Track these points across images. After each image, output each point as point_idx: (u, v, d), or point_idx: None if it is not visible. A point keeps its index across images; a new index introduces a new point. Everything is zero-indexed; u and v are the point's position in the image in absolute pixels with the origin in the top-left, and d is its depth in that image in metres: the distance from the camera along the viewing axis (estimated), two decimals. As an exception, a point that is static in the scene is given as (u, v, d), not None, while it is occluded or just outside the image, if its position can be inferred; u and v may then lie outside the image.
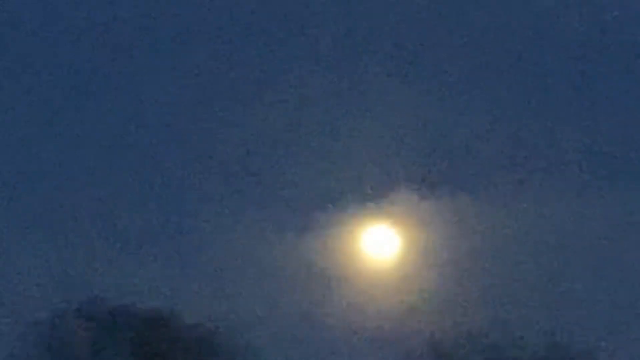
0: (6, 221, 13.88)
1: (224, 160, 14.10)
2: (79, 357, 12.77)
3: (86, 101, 14.71)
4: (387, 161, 14.06)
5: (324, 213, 13.70)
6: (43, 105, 14.70)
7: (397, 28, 14.69)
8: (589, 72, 14.97)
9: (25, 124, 14.62)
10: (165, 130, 14.48)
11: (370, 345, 13.07)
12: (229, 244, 13.50)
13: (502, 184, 14.10)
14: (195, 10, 14.88)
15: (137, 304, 12.93)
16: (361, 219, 13.57)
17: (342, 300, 13.06)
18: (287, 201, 13.81)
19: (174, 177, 14.02)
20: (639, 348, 13.24)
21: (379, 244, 13.59)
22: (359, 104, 14.31)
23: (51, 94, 14.58)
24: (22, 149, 14.43)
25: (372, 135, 14.27)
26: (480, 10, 14.75)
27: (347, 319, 12.97)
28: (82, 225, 13.67)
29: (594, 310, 13.76)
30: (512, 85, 14.79)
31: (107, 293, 12.88)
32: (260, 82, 14.63)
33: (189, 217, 13.78)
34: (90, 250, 13.55)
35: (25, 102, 14.70)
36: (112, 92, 14.59)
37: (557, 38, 14.83)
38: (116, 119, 14.52)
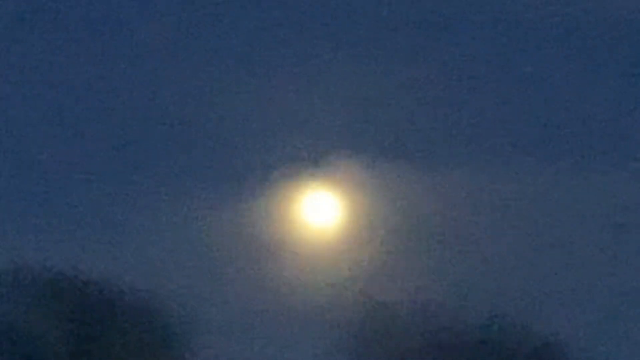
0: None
1: (159, 122, 13.96)
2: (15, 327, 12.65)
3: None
4: (333, 126, 14.00)
5: (266, 181, 13.64)
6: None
7: None
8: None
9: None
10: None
11: (312, 316, 13.03)
12: (166, 213, 13.39)
13: (459, 155, 14.17)
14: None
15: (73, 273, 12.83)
16: (303, 186, 13.51)
17: (283, 271, 13.01)
18: (227, 168, 13.74)
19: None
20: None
21: (322, 212, 13.55)
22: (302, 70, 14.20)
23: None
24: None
25: (318, 100, 14.21)
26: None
27: (289, 289, 12.94)
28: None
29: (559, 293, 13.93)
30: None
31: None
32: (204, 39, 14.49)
33: (122, 186, 13.64)
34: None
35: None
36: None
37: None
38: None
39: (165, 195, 13.23)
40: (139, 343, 12.64)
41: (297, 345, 13.21)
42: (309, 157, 13.57)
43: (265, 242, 13.03)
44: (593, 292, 13.72)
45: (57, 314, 12.79)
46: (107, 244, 13.19)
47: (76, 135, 13.99)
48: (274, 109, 13.60)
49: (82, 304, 12.83)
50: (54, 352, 12.51)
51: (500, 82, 14.41)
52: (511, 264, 13.86)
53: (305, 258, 13.18)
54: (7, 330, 12.44)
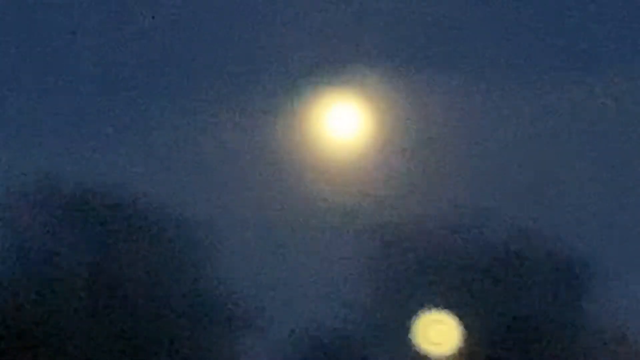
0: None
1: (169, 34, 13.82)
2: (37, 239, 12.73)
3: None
4: (357, 36, 13.82)
5: (289, 94, 13.54)
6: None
7: None
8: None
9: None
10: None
11: (333, 234, 13.04)
12: (182, 130, 13.30)
13: (487, 65, 13.97)
14: None
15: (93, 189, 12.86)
16: (328, 100, 13.39)
17: (305, 188, 12.94)
18: (245, 80, 13.58)
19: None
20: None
21: (348, 127, 13.47)
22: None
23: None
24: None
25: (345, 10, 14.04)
26: None
27: (309, 207, 12.90)
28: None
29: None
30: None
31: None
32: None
33: (137, 104, 13.54)
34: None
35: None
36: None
37: None
38: None
39: (184, 108, 13.14)
40: (155, 251, 12.66)
41: (314, 260, 13.23)
42: (329, 67, 13.44)
43: (287, 155, 12.98)
44: (613, 205, 13.75)
45: (75, 224, 12.84)
46: (126, 157, 13.16)
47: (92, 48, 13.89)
48: (293, 20, 13.44)
49: (99, 215, 12.85)
50: (74, 263, 12.61)
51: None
52: (532, 179, 13.88)
53: (328, 170, 13.13)
54: (28, 246, 12.51)
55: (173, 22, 14.08)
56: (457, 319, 13.30)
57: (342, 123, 13.13)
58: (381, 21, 13.92)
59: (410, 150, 13.22)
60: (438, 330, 13.45)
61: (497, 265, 13.40)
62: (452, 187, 13.32)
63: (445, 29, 14.14)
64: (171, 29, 13.98)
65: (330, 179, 12.96)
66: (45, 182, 12.55)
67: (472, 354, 13.35)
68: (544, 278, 13.49)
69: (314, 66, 13.32)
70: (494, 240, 13.36)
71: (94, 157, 13.05)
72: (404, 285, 13.31)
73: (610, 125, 14.35)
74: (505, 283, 13.42)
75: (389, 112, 13.24)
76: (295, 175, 12.81)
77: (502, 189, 13.52)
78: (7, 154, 12.89)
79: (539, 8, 15.15)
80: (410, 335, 13.18)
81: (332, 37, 13.87)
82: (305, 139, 12.96)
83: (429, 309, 13.32)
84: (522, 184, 13.72)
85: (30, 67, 14.23)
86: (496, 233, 13.34)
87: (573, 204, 13.72)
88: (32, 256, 12.60)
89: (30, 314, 12.08)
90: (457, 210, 13.25)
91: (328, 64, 13.47)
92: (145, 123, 13.26)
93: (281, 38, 13.75)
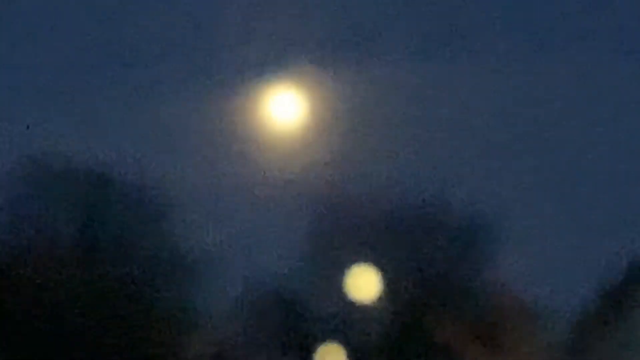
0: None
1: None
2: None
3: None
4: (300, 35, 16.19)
5: (239, 81, 15.77)
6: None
7: None
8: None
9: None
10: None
11: (280, 200, 15.22)
12: (157, 109, 15.53)
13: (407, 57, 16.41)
14: None
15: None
16: (271, 87, 15.55)
17: (260, 161, 15.22)
18: (207, 70, 15.98)
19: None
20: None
21: (288, 109, 15.60)
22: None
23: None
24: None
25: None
26: None
27: (261, 178, 15.18)
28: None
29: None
30: None
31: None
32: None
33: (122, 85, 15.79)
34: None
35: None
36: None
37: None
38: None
39: (157, 94, 15.37)
40: (135, 218, 14.83)
41: (266, 222, 15.42)
42: (276, 61, 15.71)
43: (239, 135, 15.26)
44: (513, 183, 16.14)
45: (64, 196, 14.86)
46: (108, 134, 15.27)
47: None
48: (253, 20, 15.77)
49: (86, 186, 14.93)
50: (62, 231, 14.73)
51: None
52: (447, 161, 16.21)
53: (274, 148, 15.38)
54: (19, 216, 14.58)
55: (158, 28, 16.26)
56: (380, 272, 15.61)
57: (288, 109, 15.46)
58: (322, 21, 16.27)
59: (345, 132, 15.57)
60: (365, 280, 15.71)
61: (414, 230, 15.78)
62: (379, 164, 15.64)
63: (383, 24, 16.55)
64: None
65: (280, 154, 15.30)
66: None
67: (393, 299, 15.71)
68: (451, 240, 15.89)
69: (263, 61, 15.68)
70: (412, 210, 15.68)
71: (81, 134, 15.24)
72: (338, 244, 15.65)
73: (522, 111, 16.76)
74: (421, 244, 15.79)
75: (326, 101, 15.65)
76: (252, 151, 15.16)
77: (422, 167, 15.91)
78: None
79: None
80: (343, 283, 15.51)
81: (280, 36, 16.22)
82: (256, 122, 15.32)
83: (358, 264, 15.63)
84: (438, 164, 16.09)
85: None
86: (414, 203, 15.67)
87: (479, 179, 16.12)
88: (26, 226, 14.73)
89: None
90: (382, 182, 15.53)
91: (275, 59, 15.83)
92: (128, 107, 15.57)
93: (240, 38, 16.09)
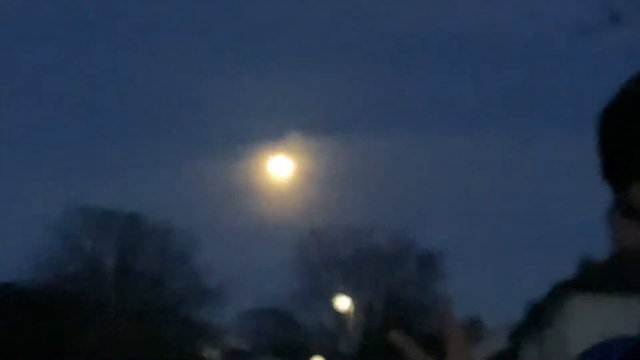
0: None
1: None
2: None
3: None
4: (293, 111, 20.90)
5: (242, 148, 20.64)
6: None
7: None
8: None
9: None
10: None
11: (276, 238, 19.82)
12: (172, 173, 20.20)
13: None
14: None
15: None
16: (267, 153, 20.11)
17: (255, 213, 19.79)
18: (213, 139, 20.82)
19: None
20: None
21: (282, 171, 20.13)
22: None
23: None
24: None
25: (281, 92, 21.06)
26: None
27: (262, 221, 19.77)
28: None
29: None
30: None
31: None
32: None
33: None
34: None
35: None
36: None
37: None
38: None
39: (181, 158, 20.07)
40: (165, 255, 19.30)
41: (265, 255, 19.92)
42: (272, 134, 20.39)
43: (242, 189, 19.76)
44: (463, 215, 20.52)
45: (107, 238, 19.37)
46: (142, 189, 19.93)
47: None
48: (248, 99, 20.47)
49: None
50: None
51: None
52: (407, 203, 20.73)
53: (269, 199, 19.85)
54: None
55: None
56: (355, 294, 20.04)
57: (283, 171, 20.03)
58: (314, 101, 20.90)
59: (328, 189, 20.09)
60: (344, 300, 20.12)
61: (382, 262, 20.23)
62: (354, 213, 20.23)
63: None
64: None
65: (277, 205, 19.85)
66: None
67: (366, 314, 20.18)
68: (410, 269, 20.28)
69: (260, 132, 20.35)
70: (380, 247, 20.16)
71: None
72: (320, 272, 20.20)
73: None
74: (387, 272, 20.22)
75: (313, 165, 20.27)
76: (256, 204, 19.75)
77: (387, 216, 20.46)
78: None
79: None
80: (327, 303, 20.00)
81: (276, 112, 20.87)
82: (259, 180, 19.93)
83: (339, 287, 20.06)
84: (401, 213, 20.56)
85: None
86: (381, 242, 20.14)
87: (434, 225, 20.63)
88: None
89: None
90: (353, 223, 20.03)
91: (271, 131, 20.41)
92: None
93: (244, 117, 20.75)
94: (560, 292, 13.71)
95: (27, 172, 21.93)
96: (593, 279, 13.47)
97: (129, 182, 20.11)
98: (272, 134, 20.89)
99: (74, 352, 18.24)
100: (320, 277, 20.73)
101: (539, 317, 15.13)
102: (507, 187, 21.86)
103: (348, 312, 20.33)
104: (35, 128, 22.71)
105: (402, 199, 20.81)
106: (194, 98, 21.66)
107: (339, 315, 20.26)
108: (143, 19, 22.15)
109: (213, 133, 21.08)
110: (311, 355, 20.76)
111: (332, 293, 20.55)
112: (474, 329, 21.01)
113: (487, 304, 22.63)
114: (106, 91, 21.81)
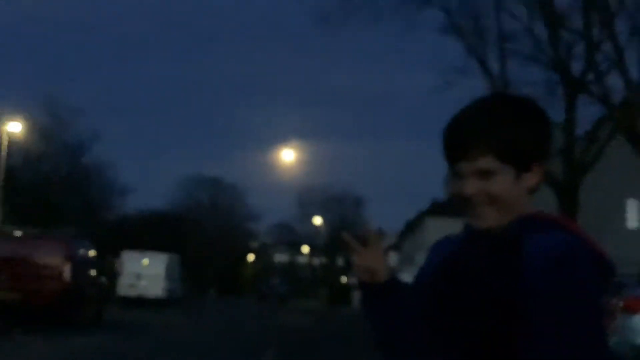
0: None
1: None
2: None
3: None
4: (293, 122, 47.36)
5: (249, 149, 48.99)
6: None
7: None
8: None
9: None
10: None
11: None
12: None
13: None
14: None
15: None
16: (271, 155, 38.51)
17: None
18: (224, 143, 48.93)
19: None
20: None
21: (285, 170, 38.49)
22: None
23: None
24: None
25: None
26: None
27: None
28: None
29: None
30: None
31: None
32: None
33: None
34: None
35: None
36: None
37: None
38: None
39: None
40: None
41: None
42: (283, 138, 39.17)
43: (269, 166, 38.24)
44: None
45: None
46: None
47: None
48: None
49: None
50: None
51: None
52: None
53: (282, 172, 37.82)
54: None
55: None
56: (323, 216, 38.70)
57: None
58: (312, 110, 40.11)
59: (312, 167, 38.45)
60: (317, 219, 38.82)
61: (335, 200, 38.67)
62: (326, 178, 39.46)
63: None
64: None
65: (286, 174, 38.01)
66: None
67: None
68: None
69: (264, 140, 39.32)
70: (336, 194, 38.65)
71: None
72: (307, 206, 38.90)
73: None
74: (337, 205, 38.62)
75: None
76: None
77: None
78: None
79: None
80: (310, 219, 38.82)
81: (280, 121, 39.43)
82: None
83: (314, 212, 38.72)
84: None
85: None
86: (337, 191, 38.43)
87: None
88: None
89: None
90: (327, 184, 38.69)
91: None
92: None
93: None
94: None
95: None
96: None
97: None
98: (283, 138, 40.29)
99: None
100: (307, 208, 41.39)
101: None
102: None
103: (320, 225, 39.93)
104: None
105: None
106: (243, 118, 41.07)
107: (316, 227, 40.70)
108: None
109: (252, 137, 41.04)
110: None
111: (313, 215, 40.43)
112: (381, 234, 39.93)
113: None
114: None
